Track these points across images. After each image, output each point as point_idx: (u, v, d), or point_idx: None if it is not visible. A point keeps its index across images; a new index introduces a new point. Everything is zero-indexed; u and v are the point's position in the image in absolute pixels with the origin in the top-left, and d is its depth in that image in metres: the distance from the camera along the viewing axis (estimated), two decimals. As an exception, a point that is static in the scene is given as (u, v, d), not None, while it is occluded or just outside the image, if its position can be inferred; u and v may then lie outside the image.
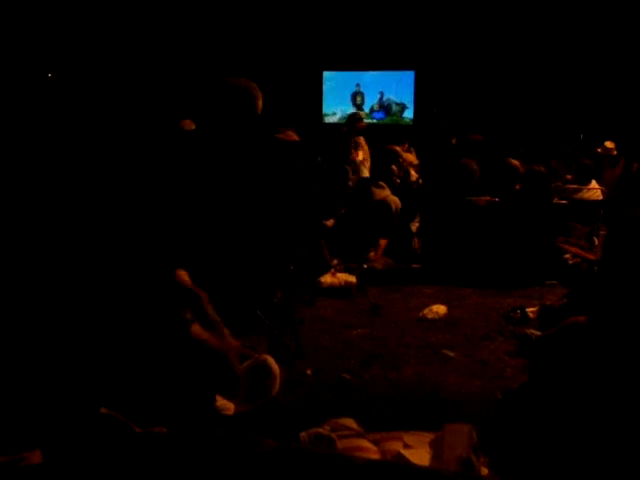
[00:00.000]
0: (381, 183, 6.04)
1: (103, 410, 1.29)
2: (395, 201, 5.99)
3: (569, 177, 7.31)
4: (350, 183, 7.00)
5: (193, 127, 5.51)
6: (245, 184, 2.93)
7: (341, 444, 2.19)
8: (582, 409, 1.84)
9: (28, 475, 1.23)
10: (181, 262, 2.45)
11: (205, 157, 2.95)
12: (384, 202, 5.93)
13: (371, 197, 5.93)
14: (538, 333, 3.78)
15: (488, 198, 5.82)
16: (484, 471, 2.05)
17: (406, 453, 2.15)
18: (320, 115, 12.89)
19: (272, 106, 3.17)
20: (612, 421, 1.77)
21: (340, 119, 12.25)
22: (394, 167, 6.41)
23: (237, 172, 2.92)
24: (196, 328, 1.82)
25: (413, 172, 7.89)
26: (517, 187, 5.79)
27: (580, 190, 6.56)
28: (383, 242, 6.08)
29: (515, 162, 5.99)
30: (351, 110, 12.13)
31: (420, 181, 7.80)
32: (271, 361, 2.13)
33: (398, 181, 6.57)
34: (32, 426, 1.41)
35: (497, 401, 2.72)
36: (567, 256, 5.42)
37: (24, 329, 1.59)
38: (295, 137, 5.10)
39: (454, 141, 8.59)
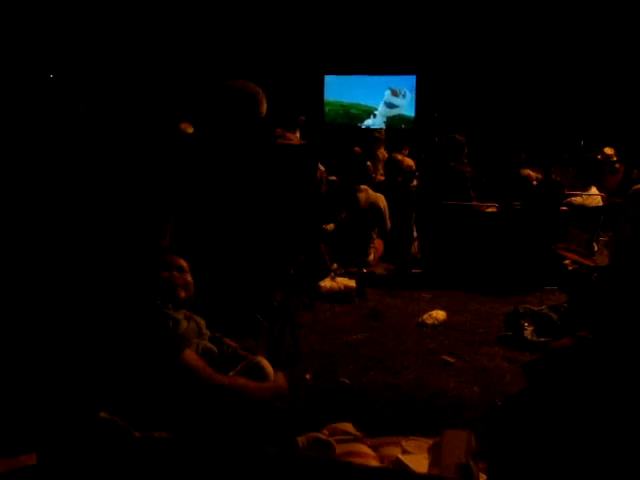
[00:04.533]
0: (362, 187, 6.00)
1: (102, 414, 1.29)
2: (381, 199, 5.97)
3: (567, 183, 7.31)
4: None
5: (190, 130, 5.52)
6: (245, 187, 2.93)
7: (340, 449, 2.19)
8: (581, 416, 1.83)
9: (25, 478, 1.23)
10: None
11: (205, 160, 2.95)
12: (373, 205, 5.91)
13: (357, 204, 5.90)
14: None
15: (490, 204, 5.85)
16: (482, 477, 2.05)
17: (404, 458, 2.15)
18: (321, 119, 12.89)
19: (274, 110, 3.17)
20: (611, 427, 1.77)
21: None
22: (369, 163, 6.47)
23: (237, 175, 2.92)
24: (188, 353, 1.82)
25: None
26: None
27: (580, 196, 6.57)
28: (380, 246, 6.07)
29: (526, 172, 6.00)
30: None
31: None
32: (265, 362, 2.11)
33: (374, 176, 6.66)
34: (30, 429, 1.41)
35: (496, 407, 2.71)
36: (567, 262, 5.43)
37: (23, 332, 1.59)
38: (298, 140, 5.09)
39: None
